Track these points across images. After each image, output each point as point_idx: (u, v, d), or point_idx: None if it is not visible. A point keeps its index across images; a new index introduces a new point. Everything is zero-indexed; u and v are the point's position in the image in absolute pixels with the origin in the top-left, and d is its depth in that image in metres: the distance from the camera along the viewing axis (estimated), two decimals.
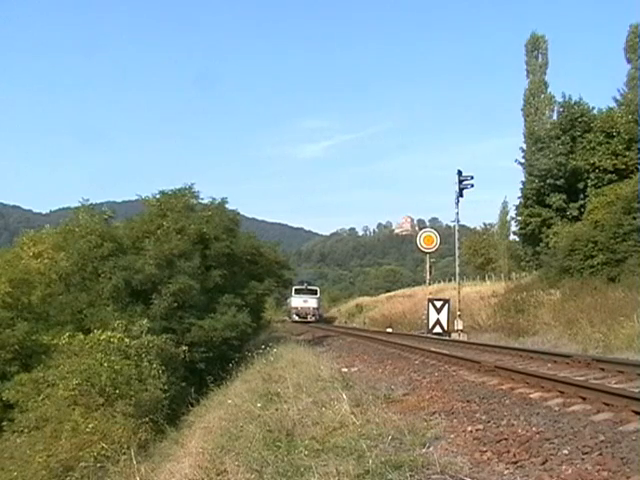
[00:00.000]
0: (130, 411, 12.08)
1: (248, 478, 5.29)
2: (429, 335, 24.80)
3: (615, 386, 7.98)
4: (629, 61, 34.89)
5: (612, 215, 22.95)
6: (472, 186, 26.69)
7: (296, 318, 49.84)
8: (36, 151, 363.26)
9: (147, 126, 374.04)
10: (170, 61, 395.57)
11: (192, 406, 13.31)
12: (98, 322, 16.18)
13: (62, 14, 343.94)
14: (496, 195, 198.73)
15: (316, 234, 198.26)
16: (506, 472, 4.76)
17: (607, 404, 6.71)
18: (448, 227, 69.53)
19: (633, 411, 6.21)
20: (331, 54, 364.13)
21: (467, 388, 8.87)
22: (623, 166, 27.17)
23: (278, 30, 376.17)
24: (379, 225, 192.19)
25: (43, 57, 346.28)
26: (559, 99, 32.80)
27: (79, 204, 19.40)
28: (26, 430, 12.74)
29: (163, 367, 13.99)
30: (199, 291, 17.72)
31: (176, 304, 17.21)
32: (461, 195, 26.74)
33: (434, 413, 7.14)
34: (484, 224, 55.25)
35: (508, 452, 5.18)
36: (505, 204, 44.69)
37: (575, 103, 30.02)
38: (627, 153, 27.08)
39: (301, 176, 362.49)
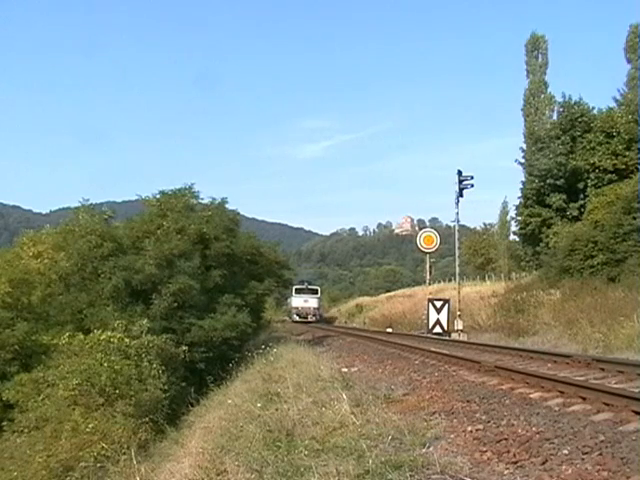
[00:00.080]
0: (130, 411, 12.07)
1: (248, 478, 5.29)
2: (429, 335, 24.80)
3: (615, 386, 7.98)
4: (629, 61, 34.92)
5: (612, 215, 22.96)
6: (472, 186, 26.70)
7: (296, 318, 49.70)
8: (36, 151, 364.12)
9: (147, 126, 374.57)
10: (170, 61, 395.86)
11: (192, 406, 13.30)
12: (98, 322, 16.18)
13: (62, 14, 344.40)
14: (496, 195, 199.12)
15: (316, 234, 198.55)
16: (506, 472, 4.76)
17: (607, 404, 6.71)
18: (448, 227, 69.59)
19: (633, 411, 6.21)
20: (331, 54, 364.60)
21: (467, 388, 8.86)
22: (623, 166, 27.20)
23: (278, 30, 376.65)
24: (379, 225, 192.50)
25: (43, 57, 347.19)
26: (559, 99, 32.94)
27: (79, 204, 19.41)
28: (26, 430, 12.74)
29: (163, 367, 13.98)
30: (199, 291, 17.71)
31: (176, 304, 17.20)
32: (461, 195, 26.75)
33: (434, 413, 7.14)
34: (484, 224, 55.43)
35: (508, 452, 5.18)
36: (505, 204, 44.81)
37: (575, 103, 30.05)
38: (627, 153, 27.11)
39: (301, 176, 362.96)
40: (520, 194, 31.92)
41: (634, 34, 34.26)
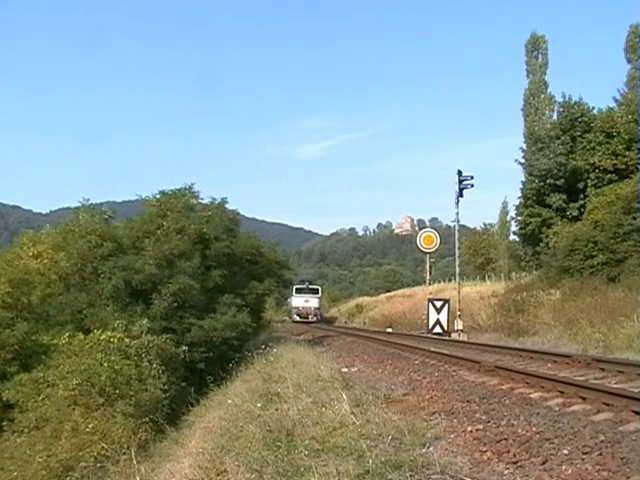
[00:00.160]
0: (130, 411, 12.07)
1: (248, 478, 5.29)
2: (429, 335, 24.80)
3: (615, 386, 7.98)
4: (629, 61, 34.95)
5: (612, 215, 22.96)
6: (472, 186, 26.71)
7: (297, 318, 49.44)
8: (36, 151, 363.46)
9: (147, 126, 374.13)
10: (170, 61, 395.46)
11: (192, 406, 13.31)
12: (98, 322, 16.18)
13: (62, 14, 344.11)
14: (496, 195, 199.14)
15: (316, 234, 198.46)
16: (506, 472, 4.76)
17: (607, 404, 6.71)
18: (448, 227, 69.59)
19: (633, 411, 6.21)
20: (331, 54, 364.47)
21: (467, 388, 8.87)
22: (623, 166, 27.20)
23: (278, 30, 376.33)
24: (379, 225, 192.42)
25: (43, 57, 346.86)
26: (559, 99, 32.95)
27: (79, 204, 19.43)
28: (26, 430, 12.73)
29: (163, 367, 13.98)
30: (199, 291, 17.71)
31: (176, 304, 17.20)
32: (461, 195, 26.76)
33: (434, 413, 7.14)
34: (484, 224, 55.44)
35: (508, 452, 5.18)
36: (505, 204, 44.82)
37: (575, 103, 30.05)
38: (627, 153, 27.11)
39: (301, 176, 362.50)
40: (520, 194, 31.96)
41: (634, 34, 34.29)
